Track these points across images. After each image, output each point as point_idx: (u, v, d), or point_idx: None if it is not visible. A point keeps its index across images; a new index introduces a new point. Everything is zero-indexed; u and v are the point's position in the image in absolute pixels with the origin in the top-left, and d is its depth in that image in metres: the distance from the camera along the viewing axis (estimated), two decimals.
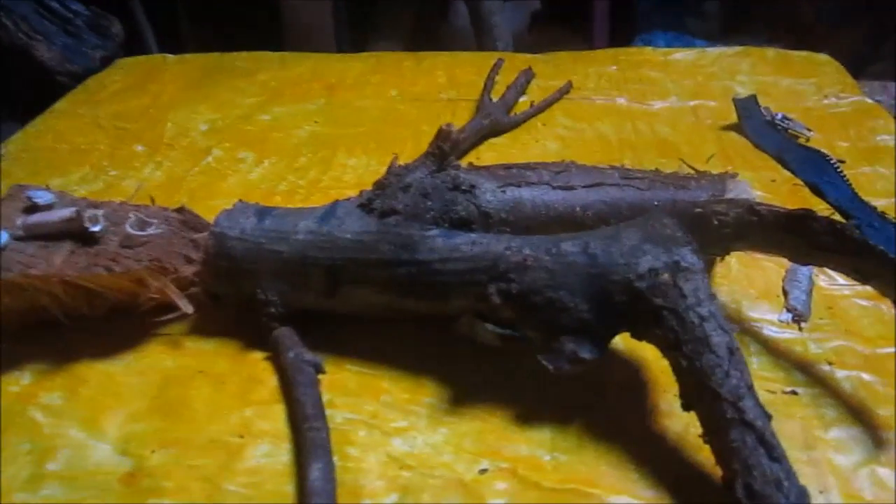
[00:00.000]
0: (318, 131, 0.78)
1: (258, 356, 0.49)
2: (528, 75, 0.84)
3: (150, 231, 0.48)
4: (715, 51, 0.92)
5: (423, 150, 0.70)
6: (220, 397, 0.46)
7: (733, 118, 0.75)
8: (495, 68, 0.84)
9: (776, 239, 0.46)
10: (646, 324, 0.40)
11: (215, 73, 0.92)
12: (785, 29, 1.65)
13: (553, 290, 0.41)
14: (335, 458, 0.41)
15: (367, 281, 0.46)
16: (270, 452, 0.42)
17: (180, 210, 0.51)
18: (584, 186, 0.51)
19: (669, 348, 0.39)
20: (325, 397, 0.45)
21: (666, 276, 0.39)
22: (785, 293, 0.53)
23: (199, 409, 0.45)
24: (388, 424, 0.44)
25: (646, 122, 0.77)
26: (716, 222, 0.48)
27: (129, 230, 0.47)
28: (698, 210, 0.48)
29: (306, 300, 0.48)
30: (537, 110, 0.79)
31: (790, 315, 0.50)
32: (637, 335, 0.41)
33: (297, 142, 0.76)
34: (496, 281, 0.42)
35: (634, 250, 0.41)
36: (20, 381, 0.48)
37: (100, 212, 0.48)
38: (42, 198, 0.51)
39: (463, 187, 0.47)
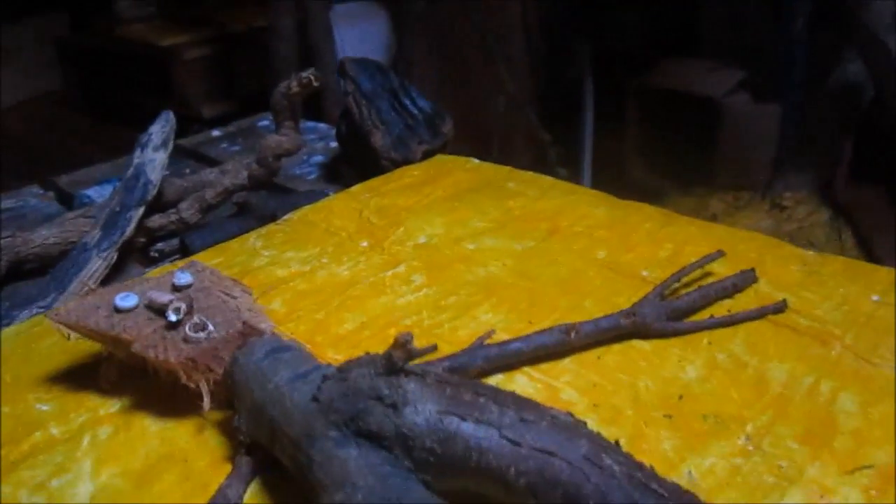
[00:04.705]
0: (496, 274, 0.79)
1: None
2: (746, 280, 0.72)
3: (201, 335, 0.59)
4: None
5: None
6: (178, 490, 0.54)
7: None
8: (708, 258, 0.74)
9: None
10: None
11: (484, 187, 1.00)
12: None
13: None
14: None
15: (284, 450, 0.50)
16: None
17: (244, 324, 0.61)
18: (533, 448, 0.45)
19: None
20: None
21: None
22: None
23: (159, 491, 0.55)
24: None
25: (837, 384, 0.60)
26: None
27: (186, 330, 0.59)
28: None
29: (262, 441, 0.53)
30: (716, 324, 0.67)
31: None
32: None
33: (471, 279, 0.79)
34: None
35: None
36: (110, 408, 0.64)
37: (183, 305, 0.61)
38: (181, 280, 0.66)
39: (386, 401, 0.47)
